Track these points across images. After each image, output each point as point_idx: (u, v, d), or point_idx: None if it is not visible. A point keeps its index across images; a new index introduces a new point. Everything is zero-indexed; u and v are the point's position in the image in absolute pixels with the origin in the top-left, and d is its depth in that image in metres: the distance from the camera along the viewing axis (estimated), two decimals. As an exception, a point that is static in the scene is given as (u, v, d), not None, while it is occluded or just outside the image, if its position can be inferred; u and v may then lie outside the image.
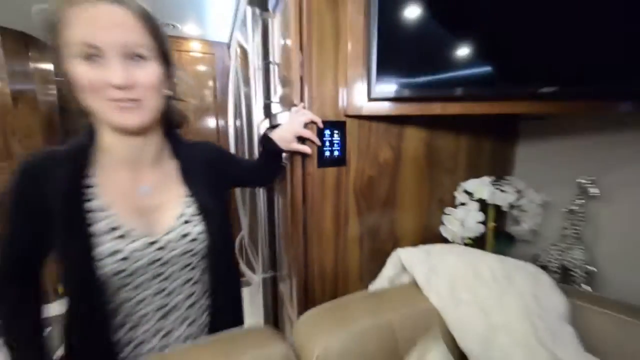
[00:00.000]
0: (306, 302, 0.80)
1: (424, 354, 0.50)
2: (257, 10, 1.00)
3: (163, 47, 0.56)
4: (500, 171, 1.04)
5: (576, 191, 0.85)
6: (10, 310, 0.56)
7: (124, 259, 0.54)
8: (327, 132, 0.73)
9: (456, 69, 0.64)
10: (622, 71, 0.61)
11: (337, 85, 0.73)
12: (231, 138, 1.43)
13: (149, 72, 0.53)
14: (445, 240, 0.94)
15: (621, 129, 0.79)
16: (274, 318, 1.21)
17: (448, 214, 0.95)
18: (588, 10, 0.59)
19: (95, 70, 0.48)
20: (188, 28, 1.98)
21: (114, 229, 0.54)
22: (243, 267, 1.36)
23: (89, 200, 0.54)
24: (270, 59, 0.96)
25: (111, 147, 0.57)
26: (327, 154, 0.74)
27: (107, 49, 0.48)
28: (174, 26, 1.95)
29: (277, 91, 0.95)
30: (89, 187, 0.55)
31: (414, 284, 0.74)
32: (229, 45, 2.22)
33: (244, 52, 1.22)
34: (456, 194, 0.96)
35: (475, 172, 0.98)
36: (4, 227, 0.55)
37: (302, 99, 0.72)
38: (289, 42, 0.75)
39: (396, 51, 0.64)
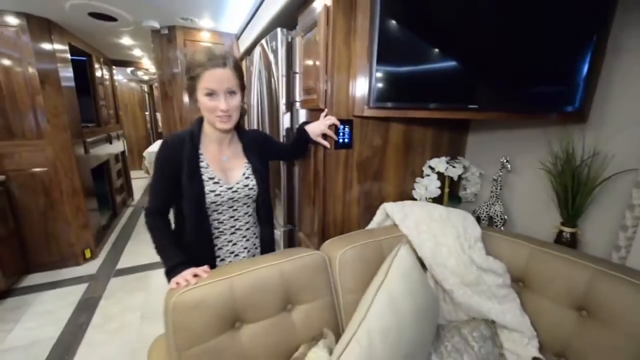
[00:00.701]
0: (324, 238, 1.22)
1: (396, 252, 0.93)
2: (285, 31, 1.34)
3: (242, 83, 0.96)
4: (455, 153, 1.47)
5: (499, 167, 1.30)
6: (160, 231, 0.94)
7: (217, 195, 0.96)
8: (342, 126, 1.12)
9: (421, 94, 1.03)
10: (515, 97, 1.04)
11: (348, 95, 1.11)
12: (254, 116, 1.78)
13: (237, 100, 0.94)
14: (414, 199, 1.38)
15: (523, 128, 1.24)
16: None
17: (417, 182, 1.39)
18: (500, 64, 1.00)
19: (212, 101, 0.90)
20: (204, 22, 2.23)
21: (211, 178, 0.96)
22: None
23: (200, 161, 0.95)
24: (295, 69, 1.31)
25: (209, 134, 0.99)
26: (341, 140, 1.14)
27: (219, 91, 0.89)
28: (192, 20, 2.18)
29: (300, 94, 1.31)
30: (200, 154, 0.96)
31: (393, 225, 1.18)
32: (237, 37, 2.48)
33: (266, 57, 1.55)
34: (423, 168, 1.39)
35: (437, 153, 1.40)
36: (154, 180, 0.94)
37: (326, 105, 1.10)
38: (317, 62, 1.10)
39: (386, 81, 1.02)
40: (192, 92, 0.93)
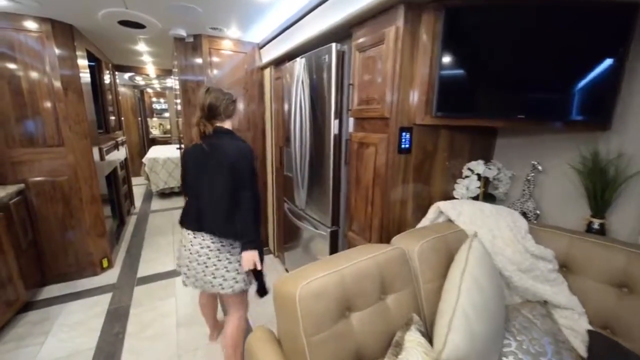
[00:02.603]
0: (384, 236, 1.33)
1: (470, 243, 1.05)
2: (339, 45, 1.45)
3: None
4: (485, 156, 1.64)
5: (530, 168, 1.47)
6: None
7: None
8: (404, 133, 1.24)
9: (478, 104, 1.18)
10: (553, 109, 1.21)
11: (410, 105, 1.23)
12: (295, 123, 1.87)
13: None
14: (455, 199, 1.52)
15: (549, 134, 1.42)
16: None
17: (458, 183, 1.53)
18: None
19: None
20: (231, 31, 2.29)
21: None
22: (310, 228, 1.85)
23: None
24: (351, 81, 1.43)
25: None
26: (402, 146, 1.26)
27: None
28: (220, 29, 2.24)
29: (354, 104, 1.42)
30: None
31: (447, 221, 1.31)
32: (260, 46, 2.55)
33: (314, 67, 1.65)
34: (463, 170, 1.54)
35: (472, 157, 1.56)
36: (253, 174, 1.33)
37: (391, 114, 1.22)
38: (382, 76, 1.23)
39: (447, 93, 1.16)
40: (235, 108, 1.41)
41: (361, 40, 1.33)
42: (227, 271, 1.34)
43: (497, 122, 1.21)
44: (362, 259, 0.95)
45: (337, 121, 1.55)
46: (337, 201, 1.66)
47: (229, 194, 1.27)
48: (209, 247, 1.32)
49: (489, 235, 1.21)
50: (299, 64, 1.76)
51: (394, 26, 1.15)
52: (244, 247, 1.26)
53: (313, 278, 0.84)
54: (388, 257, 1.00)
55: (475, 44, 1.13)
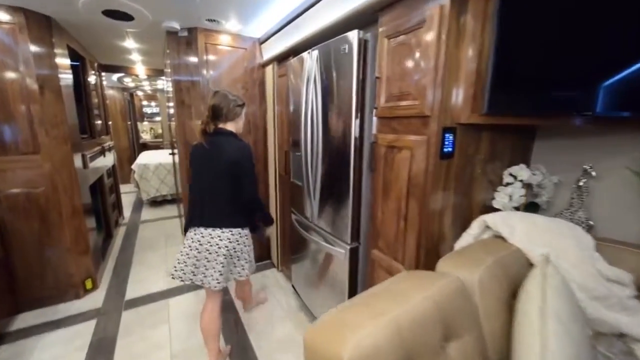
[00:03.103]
0: (421, 256, 1.12)
1: (544, 270, 0.85)
2: (361, 33, 1.25)
3: None
4: (522, 160, 1.45)
5: (579, 173, 1.28)
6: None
7: None
8: (447, 134, 1.04)
9: (539, 100, 0.99)
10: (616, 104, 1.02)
11: (454, 102, 1.03)
12: (306, 124, 1.66)
13: None
14: (496, 209, 1.32)
15: (602, 135, 1.23)
16: (354, 278, 1.52)
17: (498, 191, 1.33)
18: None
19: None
20: (230, 24, 2.07)
21: None
22: (324, 244, 1.63)
23: None
24: (377, 74, 1.22)
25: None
26: (445, 150, 1.05)
27: None
28: (218, 22, 2.02)
29: (383, 100, 1.21)
30: None
31: (495, 237, 1.10)
32: (261, 41, 2.34)
33: (330, 60, 1.44)
34: (503, 176, 1.34)
35: (509, 161, 1.37)
36: (254, 174, 1.51)
37: (432, 111, 1.02)
38: (421, 67, 1.02)
39: (501, 87, 0.96)
40: (240, 113, 1.52)
41: (391, 25, 1.13)
42: (239, 260, 1.56)
43: (558, 121, 1.02)
44: (417, 299, 0.73)
45: (357, 121, 1.34)
46: (357, 214, 1.45)
47: (229, 189, 1.43)
48: (217, 243, 1.45)
49: (550, 255, 1.01)
50: (311, 57, 1.55)
51: (438, 5, 0.95)
52: (259, 224, 1.64)
53: (362, 331, 0.62)
54: (446, 293, 0.78)
55: (541, 25, 0.93)
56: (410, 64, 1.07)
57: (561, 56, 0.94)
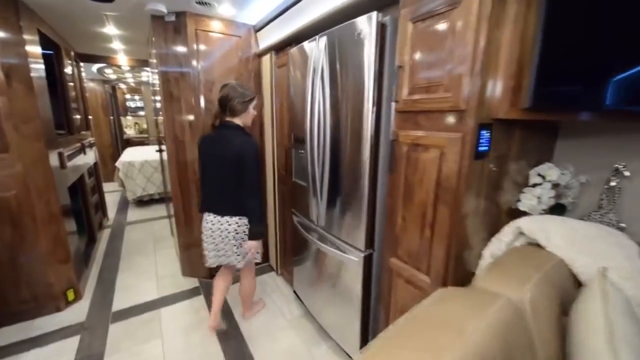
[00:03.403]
0: (450, 268, 1.01)
1: (602, 286, 0.74)
2: (380, 15, 1.10)
3: None
4: (544, 159, 1.35)
5: (610, 173, 1.19)
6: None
7: None
8: (483, 132, 0.92)
9: (590, 93, 0.87)
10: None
11: (491, 94, 0.91)
12: (313, 121, 1.52)
13: None
14: (522, 213, 1.22)
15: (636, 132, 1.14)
16: (368, 288, 1.40)
17: (525, 192, 1.23)
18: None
19: (254, 111, 1.57)
20: (223, 8, 1.88)
21: None
22: (334, 250, 1.50)
23: None
24: (398, 62, 1.08)
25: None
26: (480, 149, 0.93)
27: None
28: (209, 4, 1.82)
29: (405, 92, 1.08)
30: None
31: (530, 245, 1.00)
32: (256, 29, 2.16)
33: (341, 48, 1.29)
34: (530, 176, 1.24)
35: (535, 161, 1.26)
36: (256, 172, 1.49)
37: (468, 105, 0.89)
38: (455, 52, 0.89)
39: (548, 77, 0.84)
40: (246, 108, 1.53)
41: (417, 6, 0.99)
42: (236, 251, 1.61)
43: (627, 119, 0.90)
44: (476, 329, 0.61)
45: (373, 116, 1.21)
46: (372, 219, 1.32)
47: (233, 180, 1.48)
48: (227, 228, 1.56)
49: (596, 264, 0.91)
50: (318, 44, 1.40)
51: (477, -21, 0.81)
52: (250, 236, 1.54)
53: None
54: (504, 320, 0.67)
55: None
56: (441, 50, 0.93)
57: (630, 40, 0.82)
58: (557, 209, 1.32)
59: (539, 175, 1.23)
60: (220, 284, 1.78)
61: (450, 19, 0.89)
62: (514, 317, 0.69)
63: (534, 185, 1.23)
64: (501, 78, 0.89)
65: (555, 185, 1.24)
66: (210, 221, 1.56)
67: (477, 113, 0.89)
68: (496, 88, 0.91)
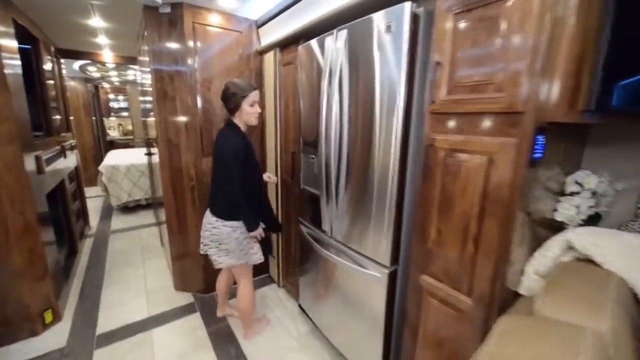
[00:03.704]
0: (499, 280, 0.90)
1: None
2: (414, 6, 0.99)
3: None
4: (576, 166, 1.28)
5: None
6: (248, 207, 1.48)
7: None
8: (538, 136, 0.82)
9: None
10: None
11: (541, 98, 0.80)
12: (329, 127, 1.37)
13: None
14: (557, 223, 1.13)
15: None
16: (391, 307, 1.27)
17: (561, 202, 1.14)
18: None
19: (253, 108, 1.51)
20: (223, 1, 1.73)
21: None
22: (352, 265, 1.37)
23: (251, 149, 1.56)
24: (436, 58, 0.97)
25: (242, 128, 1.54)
26: (535, 155, 0.83)
27: (256, 102, 1.51)
28: (211, -4, 1.67)
29: (444, 92, 0.97)
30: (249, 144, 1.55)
31: (580, 260, 0.91)
32: (258, 24, 2.02)
33: (363, 44, 1.18)
34: (567, 184, 1.15)
35: (567, 167, 1.18)
36: (234, 170, 1.43)
37: (526, 107, 0.78)
38: (504, 53, 0.79)
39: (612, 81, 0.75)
40: (237, 104, 1.47)
41: (461, -6, 0.88)
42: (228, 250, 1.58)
43: None
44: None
45: (402, 118, 1.09)
46: (398, 231, 1.20)
47: (222, 181, 1.51)
48: (210, 230, 1.57)
49: (661, 286, 0.82)
50: (337, 38, 1.27)
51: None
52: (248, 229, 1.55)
53: None
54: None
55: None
56: (492, 45, 0.83)
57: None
58: (594, 219, 1.24)
59: (577, 183, 1.14)
60: (221, 278, 1.86)
61: (505, 9, 0.79)
62: (601, 354, 0.58)
63: (572, 194, 1.15)
64: (560, 76, 0.79)
65: (593, 194, 1.16)
66: (206, 217, 1.61)
67: (535, 116, 0.79)
68: (553, 88, 0.81)
